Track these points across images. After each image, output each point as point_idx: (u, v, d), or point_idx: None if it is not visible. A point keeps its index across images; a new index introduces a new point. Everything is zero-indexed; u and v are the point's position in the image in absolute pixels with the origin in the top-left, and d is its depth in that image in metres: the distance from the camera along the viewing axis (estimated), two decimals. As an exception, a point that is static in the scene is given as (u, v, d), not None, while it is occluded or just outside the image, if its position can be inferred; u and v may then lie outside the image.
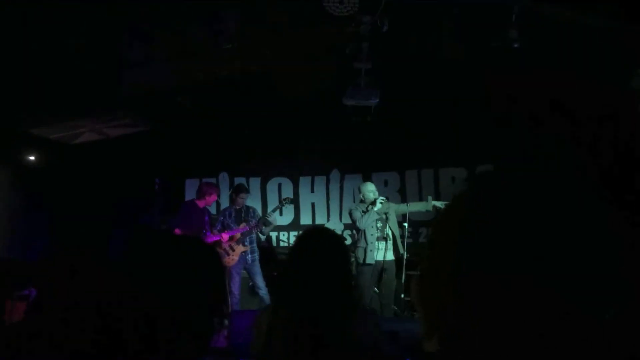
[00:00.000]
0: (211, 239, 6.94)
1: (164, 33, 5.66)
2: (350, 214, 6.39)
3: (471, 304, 0.63)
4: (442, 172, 8.29)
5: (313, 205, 8.78)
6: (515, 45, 5.08)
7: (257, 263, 7.07)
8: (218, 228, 7.12)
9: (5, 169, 7.89)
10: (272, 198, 8.70)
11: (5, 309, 5.22)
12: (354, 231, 6.36)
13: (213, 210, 8.25)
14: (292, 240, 8.58)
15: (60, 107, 6.48)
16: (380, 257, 6.15)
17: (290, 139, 8.28)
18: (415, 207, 6.58)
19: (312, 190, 8.80)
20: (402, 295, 6.56)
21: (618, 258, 0.60)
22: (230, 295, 6.85)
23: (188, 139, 8.42)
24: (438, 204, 6.34)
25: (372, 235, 6.16)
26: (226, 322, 5.20)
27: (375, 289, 6.31)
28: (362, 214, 6.21)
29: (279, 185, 8.84)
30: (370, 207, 6.20)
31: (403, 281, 6.16)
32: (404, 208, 6.44)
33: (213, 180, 8.62)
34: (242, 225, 7.05)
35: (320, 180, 8.79)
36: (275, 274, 7.13)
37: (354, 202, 7.78)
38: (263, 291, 6.88)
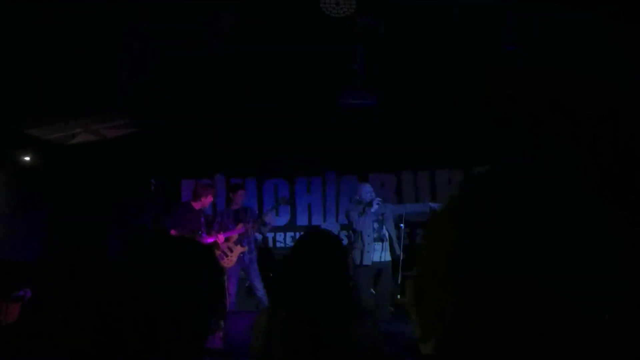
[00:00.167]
0: (207, 240, 6.92)
1: (164, 33, 5.66)
2: (347, 215, 6.39)
3: (471, 304, 0.63)
4: (439, 173, 8.30)
5: (309, 206, 8.77)
6: (511, 47, 5.10)
7: (255, 263, 7.05)
8: (215, 229, 7.09)
9: (1, 169, 7.86)
10: (268, 199, 8.69)
11: (0, 310, 5.20)
12: (351, 232, 6.35)
13: (210, 211, 8.22)
14: (289, 241, 8.59)
15: (58, 108, 6.46)
16: (376, 258, 6.13)
17: (287, 140, 8.27)
18: (412, 209, 6.57)
19: (309, 191, 8.80)
20: (399, 296, 6.55)
21: (618, 258, 0.60)
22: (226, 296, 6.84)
23: (184, 139, 8.40)
24: (434, 205, 6.34)
25: (368, 236, 6.14)
26: (222, 323, 5.19)
27: (372, 290, 6.31)
28: (359, 215, 6.21)
29: (275, 186, 8.83)
30: (366, 208, 6.20)
31: (399, 282, 6.16)
32: (401, 210, 6.44)
33: (209, 181, 8.60)
34: (240, 226, 7.02)
35: (316, 181, 8.79)
36: (271, 274, 7.12)
37: (350, 203, 7.78)
38: (261, 292, 6.84)
